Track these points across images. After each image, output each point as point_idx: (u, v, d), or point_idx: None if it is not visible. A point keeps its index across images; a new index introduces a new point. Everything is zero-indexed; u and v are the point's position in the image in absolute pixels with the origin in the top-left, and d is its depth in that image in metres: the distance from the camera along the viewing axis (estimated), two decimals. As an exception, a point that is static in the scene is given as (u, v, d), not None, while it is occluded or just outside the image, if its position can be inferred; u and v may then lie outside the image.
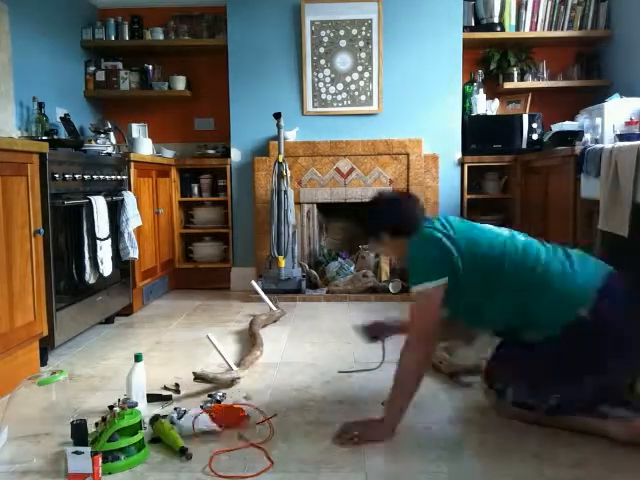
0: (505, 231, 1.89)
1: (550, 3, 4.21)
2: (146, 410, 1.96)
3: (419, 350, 1.77)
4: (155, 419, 1.79)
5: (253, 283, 3.57)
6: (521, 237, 1.86)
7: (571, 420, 1.77)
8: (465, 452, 1.68)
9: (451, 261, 1.77)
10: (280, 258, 3.82)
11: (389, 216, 1.93)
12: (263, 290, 3.55)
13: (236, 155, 4.26)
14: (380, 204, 1.97)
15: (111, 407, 1.68)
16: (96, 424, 1.73)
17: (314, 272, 4.00)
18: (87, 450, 1.50)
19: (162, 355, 2.70)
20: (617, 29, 4.08)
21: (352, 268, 3.97)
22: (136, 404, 1.74)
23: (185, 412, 1.84)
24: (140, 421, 1.67)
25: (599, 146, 2.87)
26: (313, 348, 2.78)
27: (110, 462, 1.59)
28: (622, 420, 1.70)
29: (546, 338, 1.73)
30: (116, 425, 1.60)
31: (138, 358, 1.99)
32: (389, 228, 1.92)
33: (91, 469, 1.49)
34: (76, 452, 1.50)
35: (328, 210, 4.28)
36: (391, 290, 3.81)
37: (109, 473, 1.58)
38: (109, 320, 3.27)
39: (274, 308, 3.41)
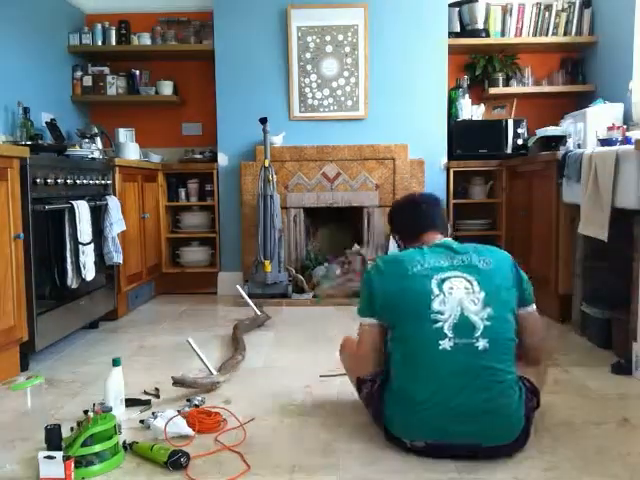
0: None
1: (535, 9, 4.24)
2: (124, 415, 1.96)
3: None
4: (131, 446, 1.74)
5: (238, 287, 3.57)
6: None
7: None
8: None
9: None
10: (266, 262, 3.82)
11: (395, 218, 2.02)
12: (249, 295, 3.55)
13: (223, 160, 4.26)
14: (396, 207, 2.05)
15: (86, 412, 1.68)
16: (71, 429, 1.73)
17: (300, 276, 4.00)
18: (59, 455, 1.50)
19: (145, 360, 2.70)
20: (601, 35, 4.12)
21: (338, 272, 3.97)
22: (110, 409, 1.74)
23: (160, 414, 1.84)
24: (114, 426, 1.67)
25: (579, 151, 2.89)
26: (296, 352, 2.78)
27: (84, 467, 1.59)
28: None
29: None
30: (89, 430, 1.60)
31: (116, 362, 1.99)
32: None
33: (63, 474, 1.49)
34: (48, 457, 1.50)
35: (315, 215, 4.29)
36: (377, 294, 3.81)
37: (83, 478, 1.57)
38: (93, 325, 3.26)
39: (259, 312, 3.41)
